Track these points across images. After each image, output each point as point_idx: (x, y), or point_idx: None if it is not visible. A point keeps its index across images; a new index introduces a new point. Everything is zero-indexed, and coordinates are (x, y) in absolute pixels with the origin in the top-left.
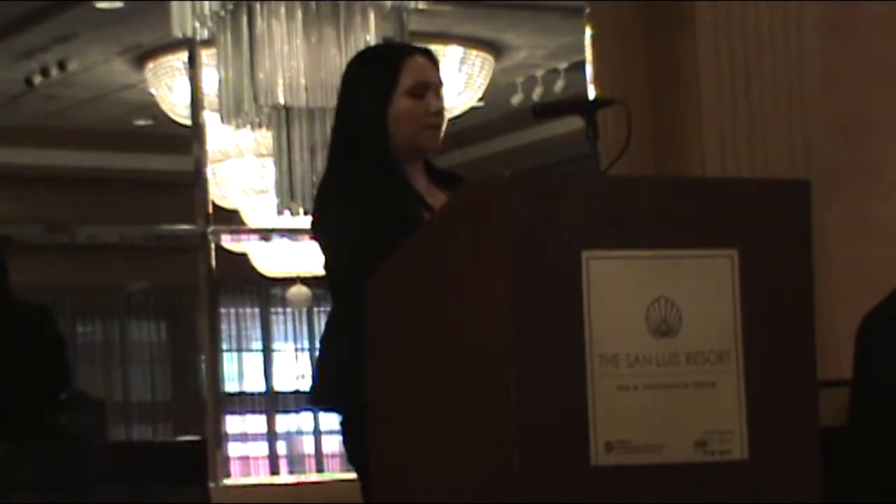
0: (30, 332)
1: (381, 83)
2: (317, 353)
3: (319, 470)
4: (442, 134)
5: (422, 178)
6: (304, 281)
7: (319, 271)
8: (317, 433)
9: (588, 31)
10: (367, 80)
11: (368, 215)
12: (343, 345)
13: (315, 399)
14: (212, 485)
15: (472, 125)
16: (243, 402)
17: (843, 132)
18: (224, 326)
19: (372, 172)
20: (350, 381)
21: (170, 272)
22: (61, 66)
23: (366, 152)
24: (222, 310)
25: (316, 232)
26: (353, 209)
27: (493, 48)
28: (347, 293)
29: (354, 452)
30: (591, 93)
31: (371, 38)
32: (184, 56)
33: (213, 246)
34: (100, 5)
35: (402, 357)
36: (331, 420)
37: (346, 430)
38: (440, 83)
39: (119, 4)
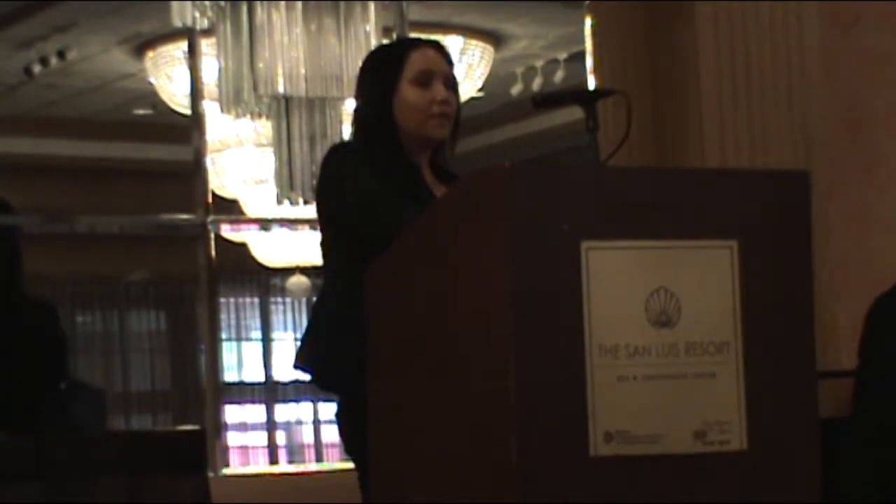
0: (34, 328)
1: (387, 72)
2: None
3: (319, 460)
4: (451, 124)
5: (428, 173)
6: (304, 271)
7: (319, 261)
8: (316, 423)
9: (588, 22)
10: (375, 71)
11: (378, 183)
12: (337, 319)
13: (302, 364)
14: (211, 474)
15: (472, 115)
16: (243, 392)
17: (843, 124)
18: (223, 316)
19: (382, 160)
20: (352, 362)
21: (169, 262)
22: (61, 55)
23: (376, 142)
24: (222, 299)
25: (319, 190)
26: (363, 168)
27: (493, 38)
28: (355, 230)
29: (351, 443)
30: (591, 83)
31: (371, 28)
32: (183, 45)
33: (212, 236)
34: None
35: (401, 347)
36: (330, 410)
37: (343, 421)
38: (450, 75)
39: None
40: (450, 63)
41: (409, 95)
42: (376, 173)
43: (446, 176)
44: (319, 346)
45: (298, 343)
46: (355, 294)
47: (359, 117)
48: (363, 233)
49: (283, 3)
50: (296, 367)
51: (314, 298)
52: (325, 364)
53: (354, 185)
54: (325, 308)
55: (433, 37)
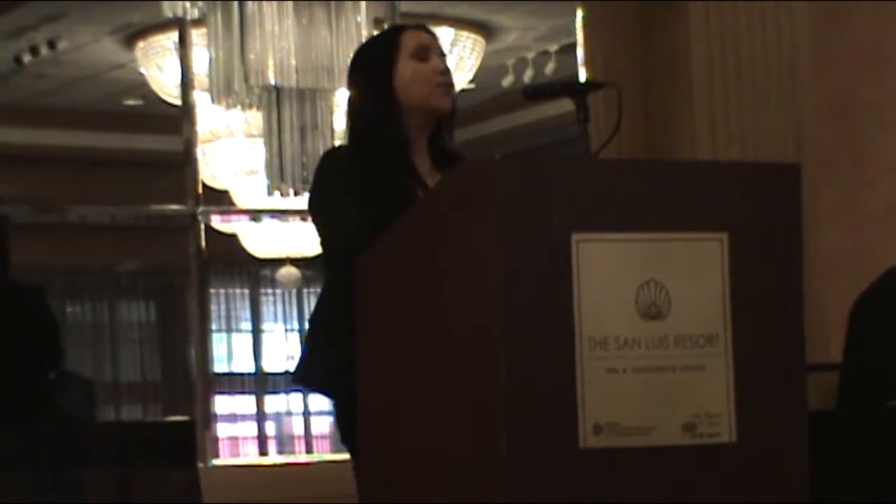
0: (23, 312)
1: (384, 55)
2: (305, 332)
3: (308, 451)
4: (453, 97)
5: (426, 158)
6: (294, 262)
7: (309, 252)
8: (306, 414)
9: (579, 14)
10: (371, 57)
11: (365, 197)
12: (332, 327)
13: (301, 379)
14: (200, 465)
15: (463, 107)
16: (232, 383)
17: (834, 118)
18: (213, 307)
19: (375, 161)
20: (340, 364)
21: (159, 252)
22: (51, 45)
23: (373, 134)
24: (212, 290)
25: (311, 209)
26: (349, 191)
27: (485, 30)
28: (336, 277)
29: (348, 433)
30: (582, 75)
31: (362, 19)
32: (174, 36)
33: (202, 226)
34: None
35: (391, 340)
36: (320, 401)
37: (340, 412)
38: (442, 52)
39: None
40: (437, 42)
41: (411, 68)
42: (366, 188)
43: (445, 158)
44: (317, 359)
45: (298, 357)
46: (348, 298)
47: (355, 111)
48: (343, 280)
49: None
50: (300, 382)
51: (304, 290)
52: (335, 383)
53: (339, 227)
54: (321, 314)
55: None
